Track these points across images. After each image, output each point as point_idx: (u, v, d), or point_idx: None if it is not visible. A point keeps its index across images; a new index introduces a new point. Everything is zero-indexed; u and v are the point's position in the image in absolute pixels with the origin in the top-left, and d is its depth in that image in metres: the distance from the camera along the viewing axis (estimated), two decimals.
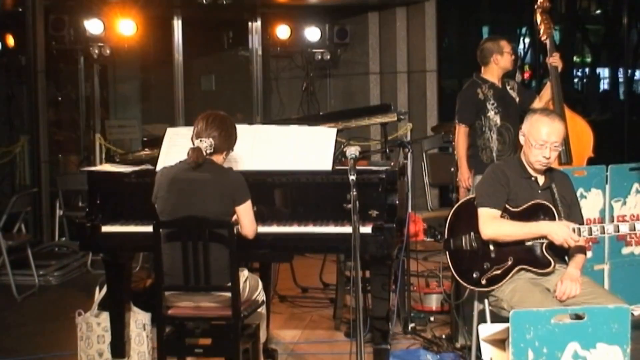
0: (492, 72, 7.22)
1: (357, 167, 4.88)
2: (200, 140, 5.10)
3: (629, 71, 16.14)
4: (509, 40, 7.42)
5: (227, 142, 5.22)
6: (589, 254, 6.00)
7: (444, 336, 6.63)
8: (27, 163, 11.71)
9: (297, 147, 5.67)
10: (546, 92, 7.17)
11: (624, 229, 4.97)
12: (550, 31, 7.10)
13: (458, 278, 5.17)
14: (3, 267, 8.67)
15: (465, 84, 7.47)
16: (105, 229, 5.61)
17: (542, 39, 7.14)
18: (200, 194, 5.06)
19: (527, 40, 17.61)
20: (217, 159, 5.19)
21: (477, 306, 5.25)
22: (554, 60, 7.05)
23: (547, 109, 6.20)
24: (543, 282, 5.01)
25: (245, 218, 5.15)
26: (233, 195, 5.10)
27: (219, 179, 5.11)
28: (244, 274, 5.28)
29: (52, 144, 11.66)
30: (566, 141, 6.66)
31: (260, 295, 5.54)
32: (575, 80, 18.49)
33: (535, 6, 7.16)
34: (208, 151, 5.10)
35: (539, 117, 5.05)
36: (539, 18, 7.16)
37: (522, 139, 5.12)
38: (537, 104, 7.16)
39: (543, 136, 4.97)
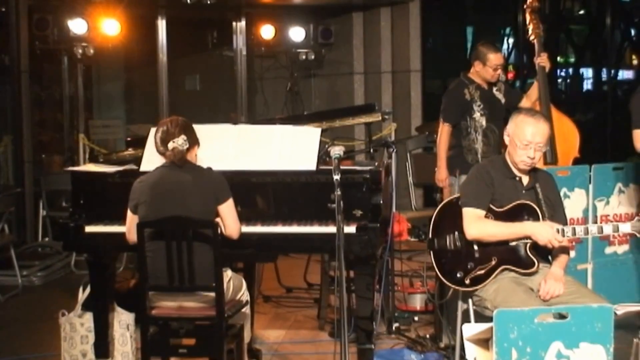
0: (477, 77, 7.21)
1: (342, 167, 4.88)
2: (173, 141, 5.10)
3: (612, 71, 16.22)
4: (503, 56, 7.36)
5: (194, 137, 5.23)
6: (572, 253, 6.03)
7: (428, 336, 6.63)
8: (11, 163, 11.65)
9: (282, 147, 5.67)
10: (533, 92, 7.18)
11: (608, 230, 4.99)
12: (538, 31, 7.11)
13: (442, 278, 5.18)
14: None
15: (452, 83, 7.45)
16: (89, 229, 5.59)
17: (530, 38, 7.15)
18: (183, 195, 5.06)
19: (510, 40, 17.66)
20: (192, 156, 5.20)
21: (461, 306, 5.26)
22: (542, 60, 7.05)
23: (532, 109, 6.21)
24: (527, 281, 5.02)
25: (229, 217, 5.15)
26: (215, 194, 5.10)
27: (200, 178, 5.12)
28: (228, 274, 5.27)
29: (35, 144, 11.63)
30: (552, 141, 6.68)
31: (244, 295, 5.53)
32: (559, 80, 18.55)
33: (525, 6, 7.18)
34: (184, 147, 5.10)
35: (524, 118, 5.06)
36: (527, 18, 7.17)
37: (506, 139, 5.13)
38: (525, 103, 7.16)
39: (528, 136, 4.98)
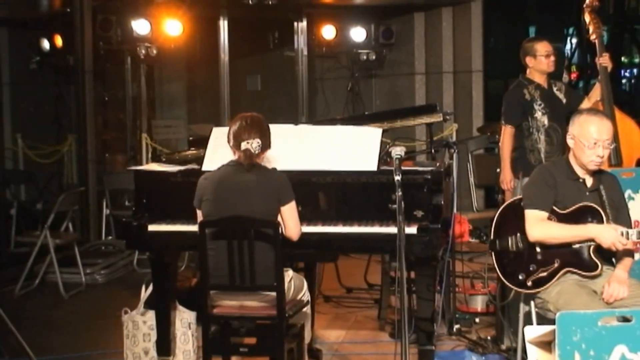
0: (534, 73, 7.18)
1: (403, 168, 4.89)
2: (247, 142, 5.10)
3: None
4: (550, 41, 7.34)
5: (268, 140, 5.22)
6: (637, 256, 5.94)
7: (489, 338, 6.59)
8: (75, 162, 11.85)
9: (343, 147, 5.66)
10: (595, 93, 7.10)
11: None
12: (599, 31, 7.02)
13: (504, 279, 5.14)
14: (51, 265, 8.77)
15: (511, 85, 7.43)
16: (152, 228, 5.64)
17: (591, 38, 7.07)
18: (247, 195, 5.08)
19: (574, 40, 17.50)
20: (260, 159, 5.21)
21: (522, 308, 5.22)
22: (604, 61, 6.97)
23: (593, 108, 6.14)
24: (590, 284, 4.97)
25: (290, 219, 5.16)
26: (278, 195, 5.10)
27: (264, 179, 5.12)
28: (289, 274, 5.28)
29: (99, 143, 11.78)
30: (616, 142, 6.60)
31: (305, 295, 5.54)
32: (624, 81, 18.34)
33: (584, 5, 7.09)
34: (257, 151, 5.11)
35: (587, 117, 5.01)
36: (587, 18, 7.09)
37: (571, 142, 5.06)
38: (586, 104, 7.09)
39: (595, 135, 4.92)
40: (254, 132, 5.12)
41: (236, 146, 5.13)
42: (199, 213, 5.22)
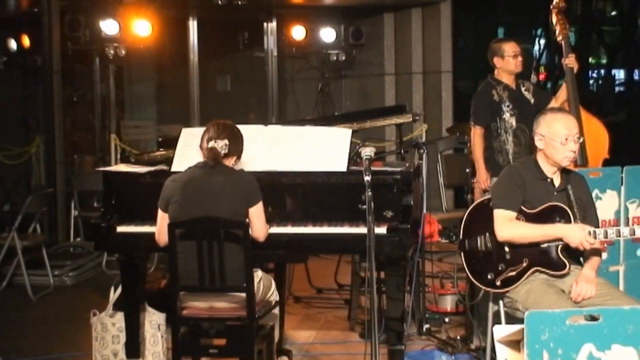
0: (502, 74, 7.21)
1: (372, 168, 4.89)
2: (215, 141, 5.12)
3: None
4: (518, 42, 7.37)
5: (237, 147, 5.24)
6: (604, 255, 5.98)
7: (458, 337, 6.62)
8: (43, 163, 11.75)
9: (313, 148, 5.67)
10: (562, 93, 7.13)
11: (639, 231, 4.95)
12: (566, 32, 7.06)
13: (473, 279, 5.17)
14: (18, 267, 8.71)
15: (480, 85, 7.45)
16: (121, 229, 5.62)
17: (558, 39, 7.10)
18: (214, 197, 5.07)
19: (542, 41, 17.60)
20: (229, 163, 5.21)
21: (491, 307, 5.24)
22: (570, 61, 7.00)
23: (555, 107, 6.17)
24: (558, 283, 5.00)
25: (257, 220, 5.15)
26: (247, 197, 5.10)
27: (232, 180, 5.12)
28: (258, 274, 5.28)
29: (67, 144, 11.70)
30: (582, 143, 6.63)
31: (273, 295, 5.54)
32: (591, 81, 18.46)
33: (551, 6, 7.12)
34: (223, 151, 5.12)
35: (553, 116, 5.08)
36: (554, 18, 7.12)
37: (540, 143, 5.07)
38: (553, 104, 7.12)
39: (565, 131, 4.97)
40: (224, 135, 5.16)
41: (203, 146, 5.15)
42: (162, 215, 5.20)
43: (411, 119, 6.90)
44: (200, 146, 5.20)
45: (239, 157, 5.28)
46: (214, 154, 5.11)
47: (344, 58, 12.84)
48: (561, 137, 4.97)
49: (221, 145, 5.12)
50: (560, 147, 4.99)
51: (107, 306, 6.13)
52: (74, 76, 12.80)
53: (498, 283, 5.05)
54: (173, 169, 5.62)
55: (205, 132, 5.21)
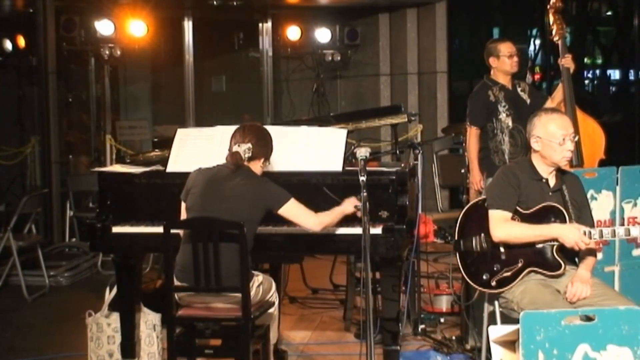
0: (498, 74, 7.21)
1: (368, 168, 4.89)
2: (238, 145, 5.13)
3: None
4: (514, 42, 7.37)
5: (263, 149, 5.24)
6: (600, 255, 5.98)
7: (454, 337, 6.62)
8: (38, 164, 11.73)
9: (308, 148, 5.67)
10: (558, 94, 7.13)
11: (635, 232, 4.94)
12: (562, 32, 7.06)
13: (468, 279, 5.16)
14: (13, 267, 8.70)
15: (476, 86, 7.45)
16: (116, 229, 5.62)
17: (554, 40, 7.10)
18: (234, 200, 5.06)
19: (537, 41, 17.58)
20: (255, 166, 5.21)
21: (487, 308, 5.24)
22: (566, 62, 7.00)
23: (548, 107, 6.19)
24: (553, 283, 5.00)
25: (295, 218, 5.18)
26: (267, 202, 5.11)
27: (254, 188, 5.12)
28: (259, 278, 5.27)
29: (62, 145, 11.70)
30: (577, 143, 6.63)
31: (273, 296, 5.53)
32: (586, 81, 18.45)
33: (548, 6, 7.12)
34: (246, 155, 5.12)
35: (548, 116, 5.07)
36: (551, 19, 7.12)
37: (536, 145, 5.07)
38: (549, 104, 7.12)
39: (562, 131, 4.98)
40: (248, 138, 5.16)
41: (229, 148, 5.17)
42: (184, 206, 5.21)
43: (406, 120, 6.90)
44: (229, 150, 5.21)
45: (267, 159, 5.28)
46: (235, 159, 5.12)
47: (339, 58, 12.85)
48: (558, 137, 4.98)
49: (244, 149, 5.12)
50: (558, 147, 4.99)
51: (102, 306, 6.13)
52: (69, 77, 12.79)
53: (493, 283, 5.04)
54: (168, 169, 5.62)
55: (232, 137, 5.22)
